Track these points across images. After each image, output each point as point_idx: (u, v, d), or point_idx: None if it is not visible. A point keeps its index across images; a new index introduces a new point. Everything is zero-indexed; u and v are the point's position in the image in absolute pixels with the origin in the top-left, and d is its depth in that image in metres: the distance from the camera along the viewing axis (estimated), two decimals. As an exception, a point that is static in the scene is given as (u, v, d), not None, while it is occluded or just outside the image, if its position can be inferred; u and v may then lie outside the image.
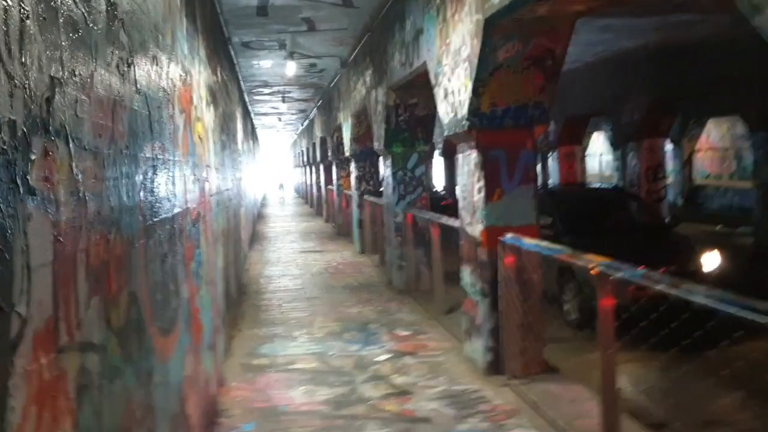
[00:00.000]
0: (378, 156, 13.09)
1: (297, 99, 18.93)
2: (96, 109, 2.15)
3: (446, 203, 13.60)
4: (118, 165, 2.40)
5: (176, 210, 3.66)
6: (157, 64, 3.35)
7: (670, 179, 17.36)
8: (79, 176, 1.94)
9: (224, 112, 8.43)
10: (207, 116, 6.00)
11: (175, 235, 3.59)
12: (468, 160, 5.49)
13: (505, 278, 5.17)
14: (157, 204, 3.10)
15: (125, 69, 2.57)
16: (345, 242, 14.97)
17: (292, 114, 23.91)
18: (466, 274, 5.69)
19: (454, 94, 5.54)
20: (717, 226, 14.71)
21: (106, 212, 2.21)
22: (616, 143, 23.29)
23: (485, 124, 5.22)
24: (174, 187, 3.62)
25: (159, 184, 3.17)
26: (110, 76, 2.34)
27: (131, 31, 2.72)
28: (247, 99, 17.51)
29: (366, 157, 12.99)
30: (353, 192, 13.52)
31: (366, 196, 12.68)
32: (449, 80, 5.66)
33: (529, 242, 4.81)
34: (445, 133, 5.85)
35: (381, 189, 14.93)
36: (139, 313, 2.63)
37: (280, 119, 26.16)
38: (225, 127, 8.50)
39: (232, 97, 10.69)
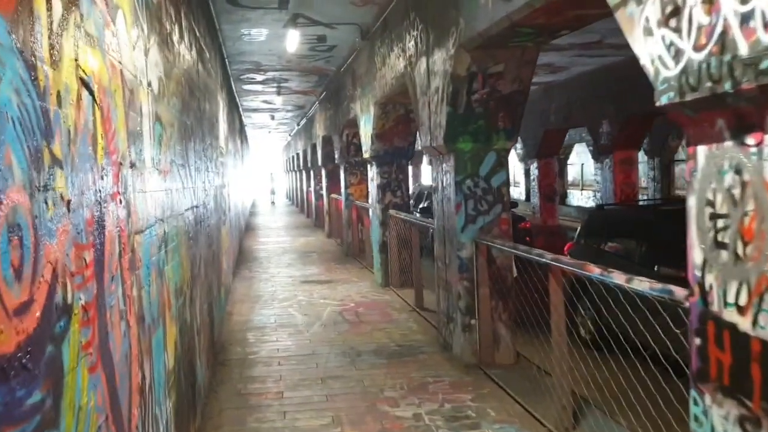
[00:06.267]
0: (409, 158, 9.91)
1: (295, 90, 15.69)
2: None
3: (524, 226, 10.41)
4: None
5: None
6: None
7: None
8: None
9: (193, 84, 5.23)
10: (138, 62, 2.79)
11: None
12: (748, 156, 2.31)
13: None
14: None
15: None
16: (358, 268, 11.74)
17: (288, 111, 20.64)
18: (717, 418, 2.49)
19: (714, 5, 2.35)
20: None
21: None
22: (650, 150, 20.30)
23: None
24: None
25: None
26: None
27: None
28: (234, 88, 14.27)
29: (392, 160, 9.74)
30: (374, 205, 10.25)
31: (393, 212, 9.44)
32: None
33: None
34: (663, 100, 2.65)
35: (420, 205, 11.76)
36: None
37: (273, 117, 22.86)
38: (195, 108, 5.29)
39: (210, 70, 7.48)
